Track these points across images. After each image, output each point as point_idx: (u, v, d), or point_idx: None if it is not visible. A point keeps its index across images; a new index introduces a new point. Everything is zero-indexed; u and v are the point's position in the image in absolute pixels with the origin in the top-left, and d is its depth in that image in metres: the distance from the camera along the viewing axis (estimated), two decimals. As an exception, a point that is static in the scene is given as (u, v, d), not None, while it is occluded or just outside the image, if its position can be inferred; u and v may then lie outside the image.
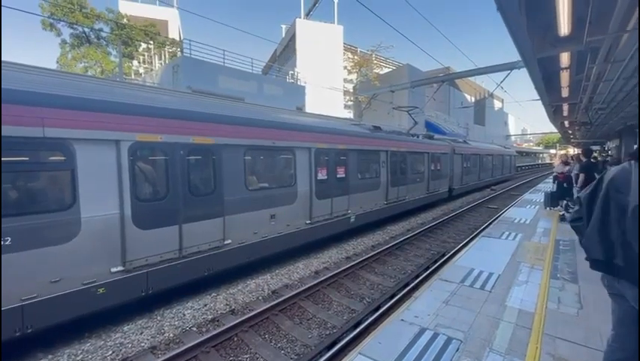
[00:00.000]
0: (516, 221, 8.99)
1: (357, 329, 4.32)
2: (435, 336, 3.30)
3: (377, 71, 34.76)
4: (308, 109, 20.55)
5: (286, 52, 31.01)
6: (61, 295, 3.92)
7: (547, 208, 10.50)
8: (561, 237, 7.14)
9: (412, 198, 12.40)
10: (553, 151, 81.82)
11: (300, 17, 28.39)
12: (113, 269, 4.35)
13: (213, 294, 5.63)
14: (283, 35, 33.84)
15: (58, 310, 3.93)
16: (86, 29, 21.15)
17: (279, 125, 6.98)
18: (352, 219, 9.02)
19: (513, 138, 67.16)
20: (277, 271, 6.75)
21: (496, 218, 10.56)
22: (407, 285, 5.89)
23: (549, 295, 4.25)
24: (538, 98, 12.93)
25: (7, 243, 3.49)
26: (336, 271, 6.34)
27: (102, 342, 4.21)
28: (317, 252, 8.00)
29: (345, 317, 4.92)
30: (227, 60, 17.02)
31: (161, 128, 4.83)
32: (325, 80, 24.33)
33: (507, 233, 7.57)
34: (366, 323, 4.49)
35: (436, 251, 8.15)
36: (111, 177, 4.35)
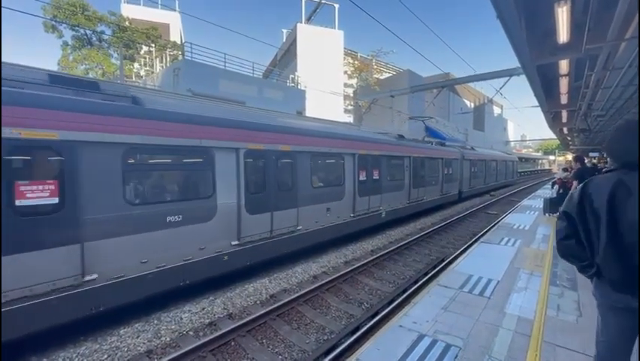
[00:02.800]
0: (515, 227, 8.98)
1: (356, 335, 4.29)
2: (434, 343, 3.28)
3: (377, 76, 34.98)
4: (308, 113, 20.60)
5: (287, 56, 31.18)
6: (205, 258, 5.36)
7: (547, 214, 10.50)
8: (560, 243, 7.11)
9: (428, 198, 13.76)
10: (552, 157, 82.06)
11: (301, 22, 28.59)
12: (233, 242, 5.83)
13: (211, 298, 5.59)
14: (284, 40, 34.05)
15: (202, 270, 5.33)
16: (88, 32, 21.25)
17: (332, 135, 8.51)
18: (383, 215, 10.43)
19: (512, 143, 67.27)
20: (276, 275, 6.72)
21: (496, 224, 10.55)
22: (406, 290, 5.87)
23: (548, 302, 4.23)
24: (538, 104, 12.99)
25: (179, 219, 4.94)
26: (335, 276, 6.31)
27: (97, 346, 4.17)
28: (316, 256, 7.97)
29: (343, 323, 4.89)
30: (228, 64, 17.10)
31: (262, 139, 6.36)
32: (325, 84, 24.44)
33: (506, 239, 7.56)
34: (364, 328, 4.46)
35: (435, 257, 8.12)
36: (233, 175, 5.83)
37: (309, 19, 30.89)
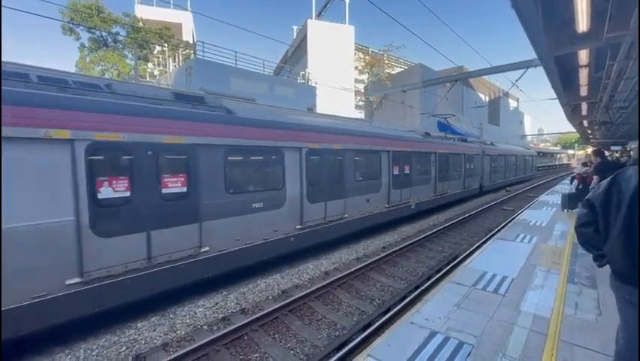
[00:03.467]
0: (532, 223, 8.75)
1: (367, 331, 4.29)
2: (446, 340, 3.25)
3: (388, 71, 34.48)
4: (319, 110, 20.56)
5: (297, 53, 31.15)
6: (277, 239, 6.47)
7: (565, 210, 10.17)
8: (579, 240, 6.89)
9: (452, 192, 14.47)
10: (571, 151, 79.40)
11: (311, 18, 28.45)
12: (297, 226, 6.92)
13: (224, 293, 5.70)
14: (294, 36, 34.01)
15: (275, 248, 6.47)
16: (104, 33, 21.75)
17: (372, 134, 9.47)
18: (412, 207, 11.27)
19: (529, 138, 65.25)
20: (287, 271, 6.78)
21: (511, 220, 10.31)
22: (418, 287, 5.82)
23: (566, 300, 4.11)
24: (556, 97, 12.57)
25: (261, 206, 6.08)
26: (346, 272, 6.31)
27: (116, 338, 4.31)
28: (327, 252, 7.99)
29: (354, 319, 4.90)
30: (240, 62, 17.21)
31: (319, 139, 7.42)
32: (336, 80, 24.29)
33: (522, 236, 7.37)
34: (375, 324, 4.46)
35: (448, 253, 8.02)
36: (297, 170, 6.89)
37: (319, 15, 30.73)
